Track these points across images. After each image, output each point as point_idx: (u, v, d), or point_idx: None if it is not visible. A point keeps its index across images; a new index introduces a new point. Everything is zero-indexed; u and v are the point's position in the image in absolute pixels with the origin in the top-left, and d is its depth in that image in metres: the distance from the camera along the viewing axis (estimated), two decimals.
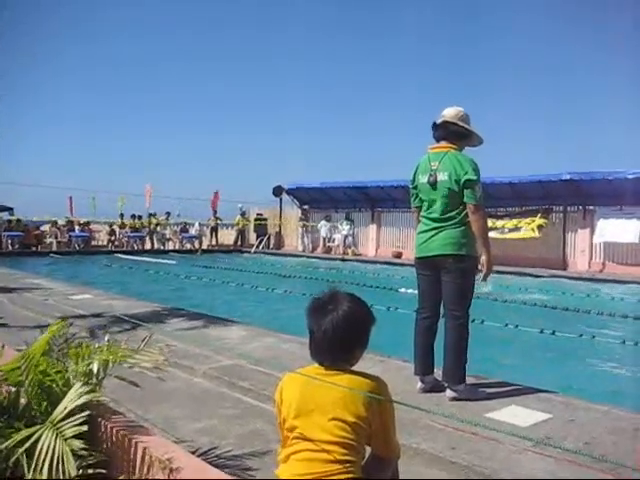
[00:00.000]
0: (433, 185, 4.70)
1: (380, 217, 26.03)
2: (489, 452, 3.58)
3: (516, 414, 4.23)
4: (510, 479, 3.22)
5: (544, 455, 3.51)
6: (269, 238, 29.56)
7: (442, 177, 4.64)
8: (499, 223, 20.61)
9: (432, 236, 4.70)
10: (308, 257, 25.39)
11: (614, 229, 18.80)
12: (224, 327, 7.50)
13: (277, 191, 28.81)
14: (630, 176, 18.10)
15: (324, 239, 26.85)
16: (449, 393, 4.58)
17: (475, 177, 4.58)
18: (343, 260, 23.55)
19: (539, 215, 20.17)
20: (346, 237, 25.68)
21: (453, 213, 4.64)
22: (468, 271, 4.66)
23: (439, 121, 4.83)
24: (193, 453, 3.33)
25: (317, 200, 28.49)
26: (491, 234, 18.71)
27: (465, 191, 4.58)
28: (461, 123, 4.80)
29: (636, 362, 6.58)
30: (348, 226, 25.75)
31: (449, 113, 4.82)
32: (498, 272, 15.99)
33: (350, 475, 2.09)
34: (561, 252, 20.26)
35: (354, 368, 2.32)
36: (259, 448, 3.71)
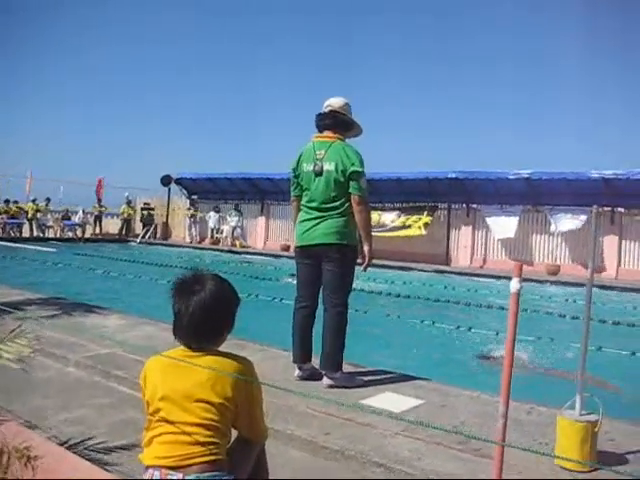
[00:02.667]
0: (318, 174, 4.69)
1: (269, 209, 25.98)
2: (361, 436, 3.63)
3: (390, 400, 4.32)
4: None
5: (414, 438, 3.60)
6: (156, 228, 28.88)
7: (328, 167, 4.64)
8: (386, 218, 20.99)
9: (314, 225, 4.71)
10: (195, 248, 25.02)
11: (500, 226, 19.64)
12: (102, 316, 7.25)
13: (165, 180, 28.13)
14: (511, 177, 19.10)
15: (212, 230, 26.50)
16: (326, 381, 4.62)
17: (361, 169, 4.63)
18: (231, 252, 23.34)
19: (425, 213, 20.70)
20: (234, 229, 25.43)
21: (336, 203, 4.66)
22: (349, 261, 4.71)
23: (327, 110, 4.82)
24: (61, 445, 3.20)
25: (206, 191, 28.09)
26: (378, 232, 19.12)
27: (351, 182, 4.61)
28: (347, 114, 4.84)
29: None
30: (237, 217, 25.53)
31: (337, 103, 4.82)
32: (383, 266, 16.50)
33: (213, 457, 2.05)
34: (445, 248, 20.91)
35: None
36: (130, 437, 3.60)
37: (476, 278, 17.39)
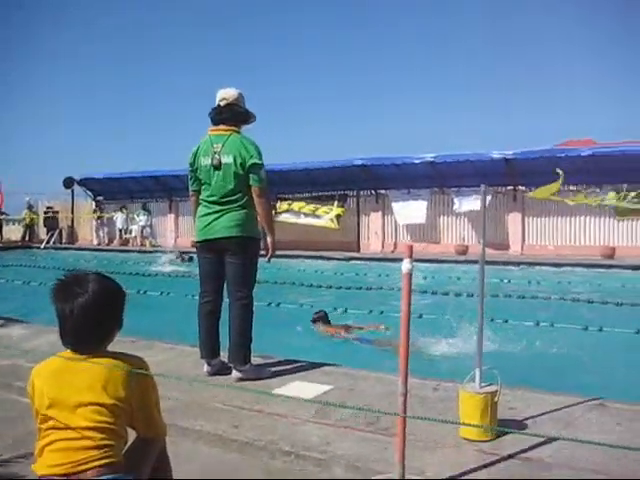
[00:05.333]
0: (216, 168, 4.65)
1: (178, 206, 25.50)
2: (271, 426, 3.65)
3: (300, 388, 4.35)
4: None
5: (323, 424, 3.64)
6: (61, 232, 27.98)
7: (226, 160, 4.61)
8: (295, 205, 20.95)
9: (215, 219, 4.68)
10: (104, 250, 24.41)
11: (409, 212, 19.96)
12: (2, 326, 6.98)
13: (68, 183, 27.22)
14: (416, 161, 19.50)
15: (120, 231, 25.95)
16: (235, 374, 4.60)
17: (260, 161, 4.63)
18: (140, 252, 22.83)
19: (336, 203, 20.78)
20: (143, 228, 24.97)
21: (236, 196, 4.64)
22: (252, 253, 4.71)
23: (222, 103, 4.77)
24: None
25: (111, 191, 27.39)
26: (289, 218, 19.20)
27: (250, 175, 4.60)
28: (242, 105, 4.81)
29: (425, 332, 7.01)
30: (145, 217, 25.04)
31: (231, 95, 4.76)
32: (295, 256, 16.57)
33: (109, 460, 2.01)
34: (356, 235, 21.07)
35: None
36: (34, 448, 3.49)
37: (387, 263, 17.66)
